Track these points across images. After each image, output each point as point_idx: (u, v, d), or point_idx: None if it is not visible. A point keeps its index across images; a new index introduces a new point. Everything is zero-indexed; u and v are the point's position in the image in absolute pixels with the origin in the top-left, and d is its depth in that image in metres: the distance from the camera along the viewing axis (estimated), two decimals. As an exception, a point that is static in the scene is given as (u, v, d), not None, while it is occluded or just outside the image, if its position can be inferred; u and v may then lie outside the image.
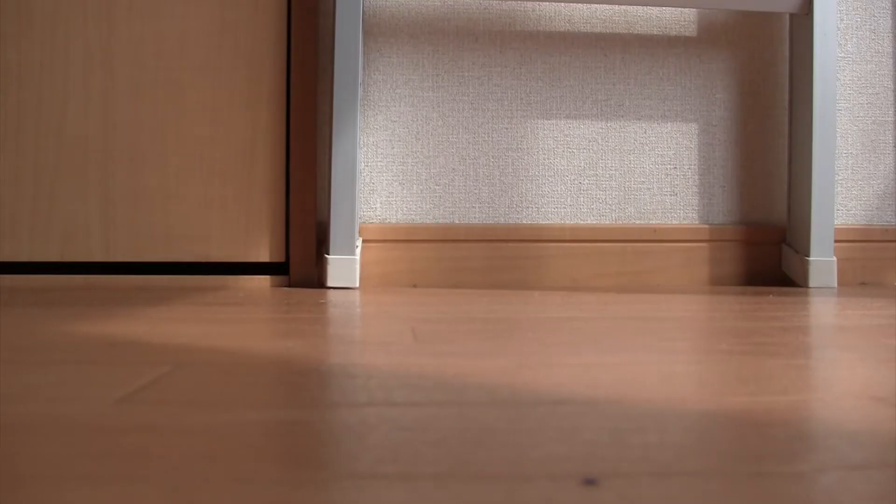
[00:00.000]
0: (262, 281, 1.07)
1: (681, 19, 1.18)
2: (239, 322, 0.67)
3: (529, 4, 1.14)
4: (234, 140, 1.07)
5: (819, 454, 0.26)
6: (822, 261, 1.10)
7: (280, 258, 1.09)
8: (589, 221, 1.16)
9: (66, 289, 0.91)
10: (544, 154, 1.15)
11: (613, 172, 1.17)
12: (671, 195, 1.17)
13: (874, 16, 1.21)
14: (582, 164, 1.16)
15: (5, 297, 0.84)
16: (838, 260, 1.11)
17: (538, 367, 0.44)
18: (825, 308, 0.83)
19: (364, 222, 1.11)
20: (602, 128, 1.16)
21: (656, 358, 0.46)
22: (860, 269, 1.18)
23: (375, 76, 1.13)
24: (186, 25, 1.07)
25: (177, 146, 1.07)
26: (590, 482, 0.22)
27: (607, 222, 1.16)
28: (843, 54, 1.19)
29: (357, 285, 1.03)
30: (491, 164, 1.13)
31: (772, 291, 1.02)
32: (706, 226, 1.17)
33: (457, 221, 1.12)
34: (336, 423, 0.29)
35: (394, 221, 1.12)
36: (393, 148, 1.12)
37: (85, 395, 0.35)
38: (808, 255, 1.10)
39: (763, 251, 1.17)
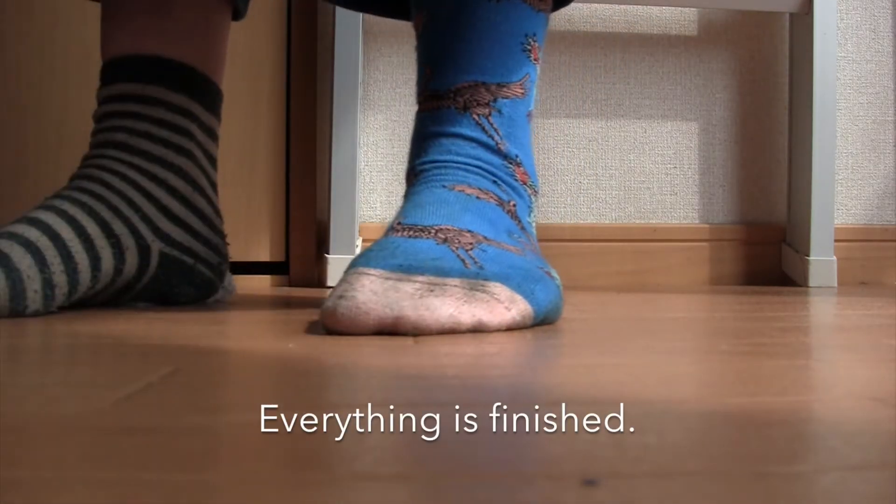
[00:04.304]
0: (262, 280, 1.07)
1: (681, 19, 1.18)
2: (238, 322, 0.67)
3: (529, 4, 1.14)
4: (233, 139, 1.07)
5: (819, 455, 0.26)
6: (822, 260, 1.10)
7: (280, 258, 1.09)
8: (588, 221, 1.16)
9: (65, 288, 0.91)
10: (544, 153, 1.15)
11: (613, 172, 1.17)
12: (671, 195, 1.18)
13: (874, 16, 1.21)
14: (581, 164, 1.16)
15: (5, 297, 0.83)
16: (838, 260, 1.11)
17: (538, 368, 0.44)
18: (825, 308, 0.83)
19: (364, 222, 1.11)
20: (602, 127, 1.16)
21: (656, 358, 0.46)
22: (860, 268, 1.18)
23: (375, 76, 1.13)
24: (186, 25, 1.07)
25: (177, 146, 1.07)
26: (590, 482, 0.22)
27: (607, 222, 1.16)
28: (843, 54, 1.20)
29: (357, 285, 1.03)
30: (491, 163, 1.13)
31: (772, 291, 1.02)
32: (706, 225, 1.17)
33: (457, 221, 1.12)
34: (336, 424, 0.29)
35: (394, 221, 1.12)
36: (393, 148, 1.12)
37: (85, 395, 0.35)
38: (808, 255, 1.10)
39: (763, 251, 1.17)
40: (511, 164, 0.62)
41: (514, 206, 0.61)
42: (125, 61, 0.74)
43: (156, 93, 0.73)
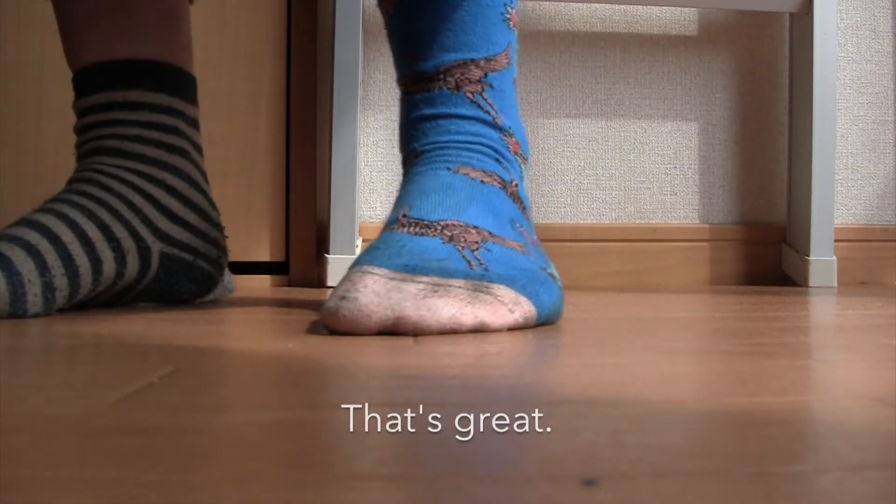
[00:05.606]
0: (262, 280, 1.07)
1: (681, 19, 1.18)
2: (238, 322, 0.67)
3: (529, 4, 1.14)
4: (233, 139, 1.07)
5: (819, 455, 0.26)
6: (822, 260, 1.10)
7: (280, 258, 1.09)
8: (589, 221, 1.16)
9: (65, 288, 0.91)
10: (544, 153, 1.15)
11: (613, 172, 1.17)
12: (671, 195, 1.17)
13: (874, 16, 1.21)
14: (582, 164, 1.16)
15: (5, 297, 0.83)
16: (838, 260, 1.11)
17: (538, 368, 0.44)
18: (825, 308, 0.83)
19: (364, 222, 1.11)
20: (602, 127, 1.16)
21: (656, 358, 0.46)
22: (860, 268, 1.18)
23: (375, 76, 1.13)
24: (186, 25, 1.07)
25: (177, 146, 1.07)
26: (590, 483, 0.22)
27: (607, 222, 1.16)
28: (843, 54, 1.20)
29: (357, 285, 1.03)
30: (491, 163, 1.13)
31: (772, 291, 1.02)
32: (706, 225, 1.17)
33: (457, 221, 1.12)
34: (336, 424, 0.29)
35: (394, 221, 1.12)
36: (393, 148, 1.12)
37: (85, 395, 0.35)
38: (808, 255, 1.10)
39: (763, 251, 1.17)
40: (505, 136, 0.62)
41: (516, 186, 0.61)
42: (99, 69, 0.73)
43: (138, 97, 0.73)
